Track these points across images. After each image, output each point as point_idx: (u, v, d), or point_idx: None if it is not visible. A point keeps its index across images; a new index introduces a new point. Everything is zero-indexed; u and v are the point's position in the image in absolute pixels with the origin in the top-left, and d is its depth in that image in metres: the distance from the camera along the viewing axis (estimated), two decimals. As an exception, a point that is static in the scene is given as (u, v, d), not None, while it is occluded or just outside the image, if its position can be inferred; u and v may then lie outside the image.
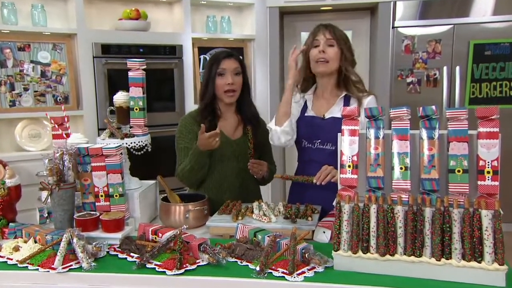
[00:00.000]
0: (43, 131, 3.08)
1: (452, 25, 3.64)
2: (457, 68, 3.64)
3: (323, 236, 1.51)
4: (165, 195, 1.79)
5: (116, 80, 3.15)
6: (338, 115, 1.77)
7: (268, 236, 1.40)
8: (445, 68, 3.67)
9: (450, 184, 1.24)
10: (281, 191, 4.23)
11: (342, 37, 1.79)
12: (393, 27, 3.73)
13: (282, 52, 4.19)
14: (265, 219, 1.60)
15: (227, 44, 3.69)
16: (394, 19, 3.72)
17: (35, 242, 1.47)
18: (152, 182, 1.85)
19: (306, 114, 1.88)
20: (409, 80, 3.77)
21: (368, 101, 1.78)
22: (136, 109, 1.68)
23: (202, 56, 3.59)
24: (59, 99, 3.09)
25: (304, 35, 4.38)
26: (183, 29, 3.45)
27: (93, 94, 3.13)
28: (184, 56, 3.45)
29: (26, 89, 2.98)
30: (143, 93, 1.67)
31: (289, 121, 1.79)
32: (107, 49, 3.15)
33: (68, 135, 1.71)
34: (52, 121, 1.70)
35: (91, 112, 3.13)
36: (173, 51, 3.39)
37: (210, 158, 1.88)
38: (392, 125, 1.32)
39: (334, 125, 1.76)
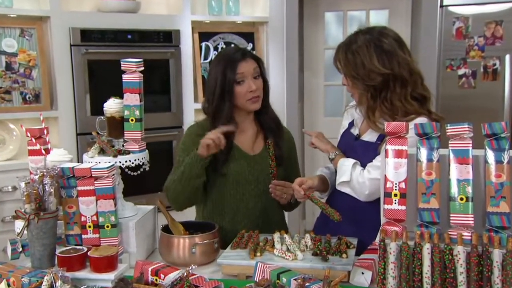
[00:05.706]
0: (8, 136, 3.13)
1: (516, 3, 3.63)
2: (523, 57, 3.64)
3: (362, 278, 1.53)
4: (162, 214, 1.80)
5: (98, 74, 3.18)
6: (372, 138, 1.80)
7: (294, 279, 1.42)
8: (507, 56, 3.65)
9: (524, 221, 1.26)
10: (300, 211, 4.26)
11: (350, 59, 1.76)
12: (441, 6, 3.72)
13: (302, 38, 4.21)
14: (289, 256, 1.62)
15: (235, 29, 3.71)
16: (443, -5, 3.73)
17: (8, 285, 1.49)
18: (149, 207, 1.88)
19: (350, 130, 1.94)
20: (461, 72, 3.76)
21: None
22: (132, 120, 1.71)
23: (203, 44, 3.62)
24: (29, 98, 3.13)
25: (329, 16, 4.40)
26: (181, 10, 3.47)
27: (71, 90, 3.15)
28: (182, 43, 3.47)
29: (-13, 86, 3.04)
30: (140, 101, 1.70)
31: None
32: (87, 36, 3.17)
33: (47, 151, 1.74)
34: (29, 134, 1.72)
35: (68, 113, 3.17)
36: (169, 37, 3.41)
37: (205, 174, 1.90)
38: (450, 145, 1.34)
39: (364, 149, 1.81)
